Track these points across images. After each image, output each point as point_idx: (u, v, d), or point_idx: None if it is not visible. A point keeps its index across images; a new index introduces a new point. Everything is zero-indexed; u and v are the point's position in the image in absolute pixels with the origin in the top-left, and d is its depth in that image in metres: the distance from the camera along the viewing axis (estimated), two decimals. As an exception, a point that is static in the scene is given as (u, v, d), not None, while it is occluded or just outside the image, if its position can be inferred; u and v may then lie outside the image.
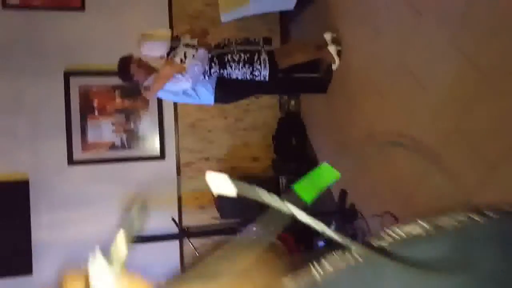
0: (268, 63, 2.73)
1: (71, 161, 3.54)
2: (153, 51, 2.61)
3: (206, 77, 2.74)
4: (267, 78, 2.77)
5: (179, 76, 2.61)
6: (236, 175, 3.96)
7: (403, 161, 2.42)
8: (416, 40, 2.32)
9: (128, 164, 3.69)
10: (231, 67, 2.72)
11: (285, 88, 3.39)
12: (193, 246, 2.74)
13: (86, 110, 3.60)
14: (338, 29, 3.06)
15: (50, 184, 3.50)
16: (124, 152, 3.68)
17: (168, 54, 2.60)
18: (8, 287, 3.37)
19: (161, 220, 3.72)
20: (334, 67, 2.97)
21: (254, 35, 2.94)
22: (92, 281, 0.45)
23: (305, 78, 3.33)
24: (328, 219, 3.02)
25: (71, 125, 3.55)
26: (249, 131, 4.02)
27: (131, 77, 2.67)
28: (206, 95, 2.83)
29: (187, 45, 2.60)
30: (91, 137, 3.61)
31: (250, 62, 2.71)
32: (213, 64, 2.73)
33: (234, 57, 2.70)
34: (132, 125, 3.71)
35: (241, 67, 2.71)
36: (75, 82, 3.57)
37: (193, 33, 2.83)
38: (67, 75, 3.54)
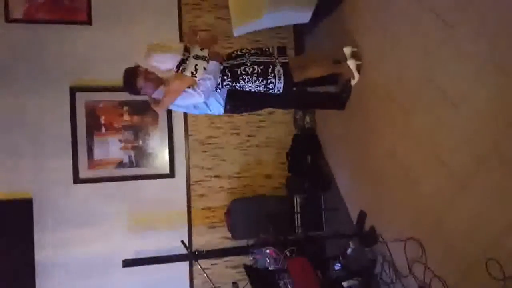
0: (283, 76, 2.58)
1: (76, 179, 3.39)
2: (163, 63, 2.46)
3: (218, 90, 2.61)
4: (281, 91, 2.62)
5: (191, 91, 2.47)
6: (248, 193, 3.80)
7: (429, 184, 2.22)
8: (445, 54, 2.13)
9: (136, 182, 3.53)
10: (244, 80, 2.57)
11: (300, 102, 3.22)
12: (202, 268, 2.53)
13: (93, 127, 3.47)
14: (357, 43, 2.89)
15: (55, 203, 3.36)
16: (132, 170, 3.53)
17: (178, 67, 2.46)
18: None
19: (171, 239, 3.59)
20: (353, 82, 2.80)
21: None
22: None
23: (322, 93, 3.16)
24: (346, 241, 2.83)
25: (77, 143, 3.41)
26: (262, 148, 3.84)
27: (138, 90, 2.53)
28: (217, 106, 2.71)
29: (197, 57, 2.45)
30: (97, 154, 3.47)
31: (264, 75, 2.57)
32: (225, 77, 2.58)
33: (248, 70, 2.55)
34: (140, 142, 3.57)
35: (255, 80, 2.57)
36: (81, 98, 3.44)
37: (201, 41, 2.68)
38: (73, 91, 3.42)
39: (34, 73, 3.37)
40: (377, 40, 2.71)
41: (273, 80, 2.57)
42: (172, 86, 2.46)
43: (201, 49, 2.51)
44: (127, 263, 2.65)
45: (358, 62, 2.76)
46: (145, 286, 3.43)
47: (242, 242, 3.58)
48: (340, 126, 3.27)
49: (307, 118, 3.75)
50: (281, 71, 2.57)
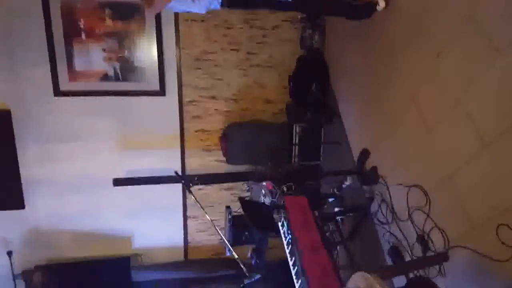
0: None
1: (57, 91, 3.08)
2: None
3: None
4: None
5: (189, 0, 2.08)
6: (246, 118, 3.54)
7: (448, 135, 1.97)
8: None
9: (123, 99, 3.23)
10: None
11: (309, 6, 2.69)
12: (195, 199, 2.40)
13: (71, 32, 3.01)
14: None
15: (36, 116, 3.10)
16: (118, 84, 3.19)
17: None
18: (2, 219, 3.22)
19: (163, 160, 3.45)
20: (378, 8, 2.30)
21: None
22: None
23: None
24: (343, 178, 2.71)
25: (54, 50, 3.00)
26: (263, 68, 3.45)
27: None
28: (214, 3, 2.25)
29: None
30: (79, 64, 3.08)
31: None
32: None
33: None
34: (126, 53, 3.15)
35: None
36: (55, -5, 2.91)
37: None
38: (45, -15, 2.87)
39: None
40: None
41: None
42: None
43: None
44: (118, 182, 2.55)
45: None
46: (136, 204, 3.40)
47: (237, 167, 3.48)
48: (355, 52, 2.85)
49: (316, 37, 3.29)
50: None
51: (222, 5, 2.24)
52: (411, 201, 2.22)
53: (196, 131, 3.47)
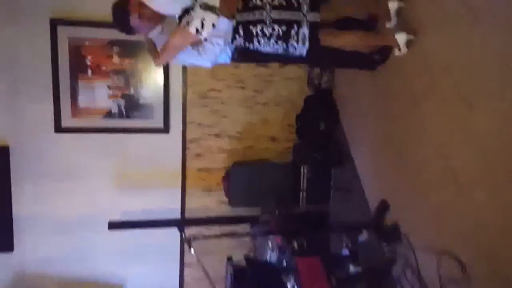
0: (308, 40, 2.06)
1: (58, 127, 3.01)
2: (163, 7, 1.95)
3: (227, 47, 2.11)
4: (303, 55, 2.13)
5: (195, 52, 2.03)
6: (250, 156, 3.44)
7: (490, 194, 1.73)
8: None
9: (125, 136, 3.15)
10: (259, 42, 2.08)
11: (321, 61, 2.72)
12: (196, 257, 2.21)
13: (78, 69, 2.99)
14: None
15: (34, 152, 3.01)
16: (121, 121, 3.13)
17: (180, 18, 1.94)
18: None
19: (162, 200, 3.31)
20: (397, 53, 2.26)
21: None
22: None
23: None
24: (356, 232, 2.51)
25: (59, 86, 2.97)
26: (270, 106, 3.40)
27: (132, 30, 2.05)
28: (223, 57, 2.22)
29: (205, 7, 1.91)
30: (82, 101, 3.04)
31: (285, 38, 2.06)
32: (236, 35, 2.08)
33: (266, 30, 2.04)
34: (131, 90, 3.12)
35: (273, 43, 2.08)
36: (64, 33, 2.92)
37: None
38: (54, 24, 2.89)
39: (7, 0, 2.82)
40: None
41: (296, 45, 2.07)
42: (172, 41, 1.97)
43: None
44: (113, 225, 2.39)
45: (410, 37, 2.15)
46: (131, 248, 3.21)
47: (240, 210, 3.33)
48: (368, 93, 2.79)
49: (325, 77, 3.26)
50: (307, 34, 2.04)
51: (232, 59, 2.21)
52: (443, 267, 1.95)
53: (198, 170, 3.36)
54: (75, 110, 3.04)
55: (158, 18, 2.04)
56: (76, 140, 3.07)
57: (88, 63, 3.01)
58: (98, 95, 3.06)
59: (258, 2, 2.05)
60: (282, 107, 3.41)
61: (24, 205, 3.03)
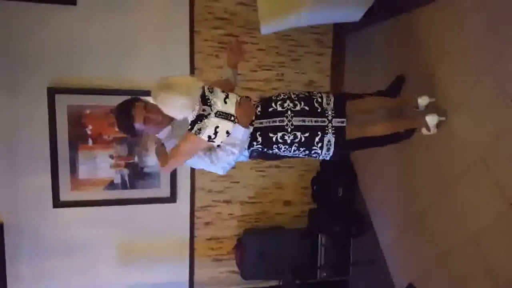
0: (333, 147, 1.87)
1: (57, 202, 2.77)
2: (176, 112, 1.74)
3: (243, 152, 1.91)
4: (328, 159, 1.96)
5: (207, 159, 1.81)
6: (263, 222, 3.22)
7: None
8: None
9: (129, 207, 2.92)
10: (279, 149, 1.89)
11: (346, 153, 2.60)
12: None
13: (78, 139, 2.78)
14: (433, 73, 2.15)
15: (31, 229, 2.76)
16: (125, 192, 2.90)
17: (192, 124, 1.73)
18: None
19: (168, 274, 3.07)
20: (425, 132, 2.09)
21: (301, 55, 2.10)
22: None
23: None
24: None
25: (58, 158, 2.74)
26: (283, 169, 3.20)
27: (137, 133, 1.83)
28: (240, 158, 1.98)
29: (220, 115, 1.74)
30: (83, 172, 2.81)
31: (308, 145, 1.87)
32: (254, 142, 1.87)
33: (287, 137, 1.84)
34: (136, 159, 2.90)
35: (294, 150, 1.89)
36: (62, 101, 2.71)
37: (229, 54, 1.97)
38: (52, 92, 2.68)
39: (2, 68, 2.59)
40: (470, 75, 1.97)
41: (319, 151, 1.89)
42: (182, 147, 1.76)
43: (226, 98, 1.78)
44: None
45: (442, 119, 2.01)
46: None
47: (253, 282, 3.10)
48: (389, 161, 2.61)
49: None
50: (332, 141, 1.86)
51: (250, 157, 2.02)
52: None
53: (208, 239, 3.13)
54: (75, 182, 2.81)
55: (168, 121, 1.82)
56: (76, 214, 2.83)
57: (89, 132, 2.79)
58: (100, 165, 2.84)
59: (279, 108, 1.86)
60: (296, 170, 3.21)
61: (20, 285, 2.77)
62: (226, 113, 1.74)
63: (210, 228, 3.12)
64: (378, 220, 2.76)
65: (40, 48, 2.65)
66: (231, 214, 3.15)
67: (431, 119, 2.02)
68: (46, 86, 2.67)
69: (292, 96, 1.89)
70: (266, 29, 2.64)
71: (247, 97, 1.88)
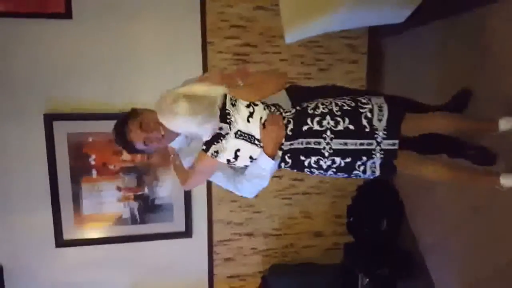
0: (380, 171, 1.49)
1: (60, 242, 2.48)
2: (183, 129, 1.41)
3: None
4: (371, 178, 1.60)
5: (230, 186, 1.57)
6: (291, 257, 2.82)
7: None
8: None
9: (140, 244, 2.59)
10: (311, 173, 1.53)
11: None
12: None
13: (80, 170, 2.47)
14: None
15: (33, 271, 2.49)
16: (135, 228, 2.58)
17: (207, 144, 1.41)
18: None
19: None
20: (502, 181, 1.61)
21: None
22: None
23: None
24: None
25: (58, 192, 2.44)
26: (312, 196, 2.79)
27: (143, 152, 1.56)
28: None
29: (241, 135, 1.42)
30: (87, 208, 2.51)
31: (348, 170, 1.50)
32: (282, 163, 1.52)
33: (322, 162, 1.47)
34: (146, 190, 2.57)
35: (330, 174, 1.52)
36: (61, 129, 2.41)
37: (238, 73, 1.58)
38: (49, 119, 2.38)
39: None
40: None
41: (361, 174, 1.51)
42: (197, 168, 1.48)
43: (249, 117, 1.42)
44: None
45: None
46: None
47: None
48: (452, 193, 2.15)
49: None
50: (378, 163, 1.47)
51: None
52: None
53: (229, 277, 2.77)
54: (79, 218, 2.50)
55: (175, 136, 1.51)
56: (81, 254, 2.53)
57: (93, 162, 2.48)
58: (106, 199, 2.52)
59: (316, 126, 1.45)
60: (328, 196, 2.79)
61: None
62: (248, 135, 1.42)
63: (230, 264, 2.76)
64: (435, 262, 2.30)
65: (34, 69, 2.35)
66: (254, 249, 2.77)
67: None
68: (42, 112, 2.37)
69: (335, 109, 1.46)
70: (291, 37, 2.23)
71: (277, 111, 1.50)
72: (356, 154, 1.45)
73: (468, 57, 2.00)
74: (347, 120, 1.44)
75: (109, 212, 2.54)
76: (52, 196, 2.44)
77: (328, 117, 1.45)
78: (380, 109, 1.46)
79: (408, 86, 2.55)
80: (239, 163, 1.45)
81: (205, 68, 2.53)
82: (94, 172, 2.49)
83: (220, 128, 1.39)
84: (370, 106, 1.46)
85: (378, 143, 1.44)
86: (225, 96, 1.41)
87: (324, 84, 1.90)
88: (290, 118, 1.48)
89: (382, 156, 1.45)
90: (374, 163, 1.47)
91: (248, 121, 1.42)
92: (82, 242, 2.52)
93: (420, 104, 1.79)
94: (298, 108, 1.51)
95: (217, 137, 1.40)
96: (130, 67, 2.46)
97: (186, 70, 2.51)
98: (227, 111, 1.39)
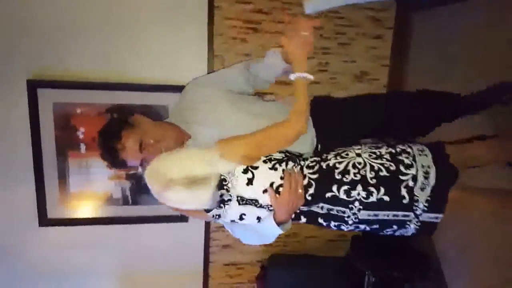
0: (421, 227, 1.25)
1: (44, 220, 2.28)
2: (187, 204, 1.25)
3: None
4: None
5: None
6: (292, 247, 2.63)
7: None
8: None
9: (132, 227, 2.40)
10: (329, 228, 1.34)
11: None
12: None
13: (67, 144, 2.23)
14: None
15: (14, 253, 2.30)
16: (127, 209, 2.37)
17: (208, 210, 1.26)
18: None
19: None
20: None
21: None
22: None
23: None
24: None
25: (43, 166, 2.22)
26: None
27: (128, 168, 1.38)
28: None
29: (244, 201, 1.23)
30: (74, 185, 2.29)
31: (380, 229, 1.28)
32: (296, 221, 1.34)
33: (344, 227, 1.28)
34: (139, 169, 2.33)
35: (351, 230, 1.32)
36: (47, 98, 2.14)
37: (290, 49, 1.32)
38: (33, 86, 2.11)
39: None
40: None
41: (396, 233, 1.30)
42: (192, 213, 1.38)
43: (250, 182, 1.22)
44: None
45: None
46: None
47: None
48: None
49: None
50: (411, 233, 1.27)
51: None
52: None
53: (226, 265, 2.60)
54: (65, 196, 2.29)
55: (181, 137, 1.36)
56: (67, 234, 2.33)
57: (81, 136, 2.24)
58: (95, 176, 2.30)
59: (342, 195, 1.22)
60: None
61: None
62: (252, 200, 1.22)
63: (228, 252, 2.58)
64: (453, 268, 2.12)
65: (18, 29, 2.06)
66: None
67: None
68: (25, 78, 2.10)
69: (369, 175, 1.20)
70: (312, 6, 1.92)
71: (296, 165, 1.26)
72: (386, 224, 1.23)
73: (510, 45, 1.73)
74: (382, 190, 1.20)
75: (98, 191, 2.32)
76: (35, 170, 2.21)
77: (359, 187, 1.21)
78: (426, 175, 1.20)
79: (435, 69, 2.28)
80: (245, 222, 1.26)
81: (210, 36, 2.24)
82: (82, 147, 2.25)
83: (221, 195, 1.20)
84: (413, 171, 1.19)
85: (416, 216, 1.20)
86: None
87: (355, 99, 1.60)
88: (312, 179, 1.23)
89: (418, 227, 1.23)
90: (406, 231, 1.25)
91: (247, 185, 1.20)
92: (69, 222, 2.31)
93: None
94: (323, 165, 1.24)
95: (219, 202, 1.22)
96: (128, 32, 2.17)
97: (189, 38, 2.24)
98: (222, 177, 1.20)
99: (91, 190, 2.32)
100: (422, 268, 2.20)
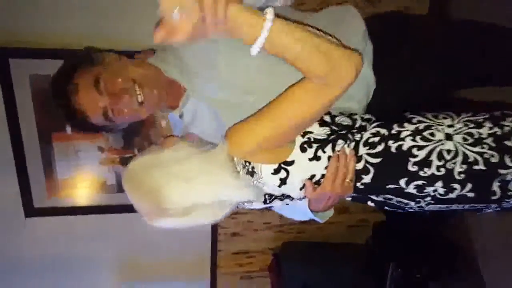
0: (500, 211, 0.98)
1: (30, 210, 2.01)
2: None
3: None
4: None
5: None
6: (308, 234, 2.39)
7: None
8: None
9: (127, 216, 2.14)
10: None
11: None
12: None
13: (49, 123, 1.91)
14: None
15: None
16: (122, 196, 2.09)
17: None
18: None
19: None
20: None
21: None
22: None
23: None
24: None
25: (24, 152, 1.92)
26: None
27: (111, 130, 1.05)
28: None
29: (272, 197, 1.00)
30: (62, 171, 2.00)
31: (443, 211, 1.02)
32: None
33: (408, 210, 1.01)
34: (136, 152, 2.05)
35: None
36: (21, 69, 1.80)
37: None
38: (4, 55, 1.76)
39: None
40: None
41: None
42: None
43: (282, 184, 0.95)
44: None
45: None
46: None
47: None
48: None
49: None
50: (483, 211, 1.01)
51: None
52: None
53: (234, 253, 2.38)
54: (52, 184, 2.01)
55: (178, 92, 0.99)
56: (55, 225, 2.08)
57: (66, 114, 1.92)
58: (85, 161, 2.01)
59: (412, 190, 0.91)
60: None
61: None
62: (283, 195, 0.98)
63: (237, 240, 2.35)
64: (492, 271, 1.88)
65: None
66: (267, 223, 2.35)
67: None
68: (-6, 44, 1.75)
69: (458, 170, 0.86)
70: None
71: (346, 140, 0.91)
72: (455, 211, 0.97)
73: None
74: (469, 186, 0.87)
75: (89, 177, 2.05)
76: (15, 157, 1.91)
77: (438, 184, 0.88)
78: None
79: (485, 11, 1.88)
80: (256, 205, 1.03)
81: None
82: (68, 128, 1.94)
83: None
84: None
85: (500, 205, 0.91)
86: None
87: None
88: (371, 164, 0.88)
89: (495, 211, 0.95)
90: (476, 211, 0.99)
91: (281, 187, 0.92)
92: (57, 211, 2.05)
93: None
94: (391, 146, 0.87)
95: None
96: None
97: None
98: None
99: (81, 176, 2.04)
100: (454, 264, 1.98)
